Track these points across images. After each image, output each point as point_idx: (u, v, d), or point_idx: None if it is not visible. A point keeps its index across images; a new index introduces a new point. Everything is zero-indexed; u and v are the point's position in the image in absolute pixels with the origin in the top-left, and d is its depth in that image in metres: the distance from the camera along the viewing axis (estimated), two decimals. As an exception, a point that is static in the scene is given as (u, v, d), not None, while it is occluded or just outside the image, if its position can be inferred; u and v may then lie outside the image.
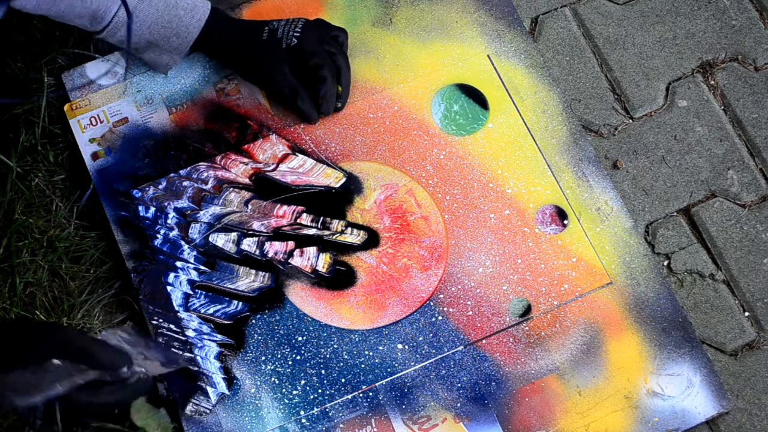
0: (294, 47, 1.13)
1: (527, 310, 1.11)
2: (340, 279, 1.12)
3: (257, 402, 1.07)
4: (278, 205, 1.14)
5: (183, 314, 1.10)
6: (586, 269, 1.12)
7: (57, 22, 1.20)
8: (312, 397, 1.07)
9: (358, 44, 1.21)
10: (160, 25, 1.10)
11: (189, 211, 1.13)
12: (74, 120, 1.18)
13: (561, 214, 1.14)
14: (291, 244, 1.12)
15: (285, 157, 1.16)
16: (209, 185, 1.14)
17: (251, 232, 1.13)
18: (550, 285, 1.11)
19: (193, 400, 1.07)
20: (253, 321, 1.10)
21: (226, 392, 1.07)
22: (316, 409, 1.07)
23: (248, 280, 1.11)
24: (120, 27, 1.08)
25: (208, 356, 1.08)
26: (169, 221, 1.13)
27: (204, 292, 1.11)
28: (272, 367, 1.08)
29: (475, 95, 1.19)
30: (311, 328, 1.10)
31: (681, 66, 1.24)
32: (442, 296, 1.11)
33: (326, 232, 1.13)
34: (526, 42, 1.22)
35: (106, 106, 1.18)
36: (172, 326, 1.09)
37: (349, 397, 1.07)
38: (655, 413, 1.07)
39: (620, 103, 1.22)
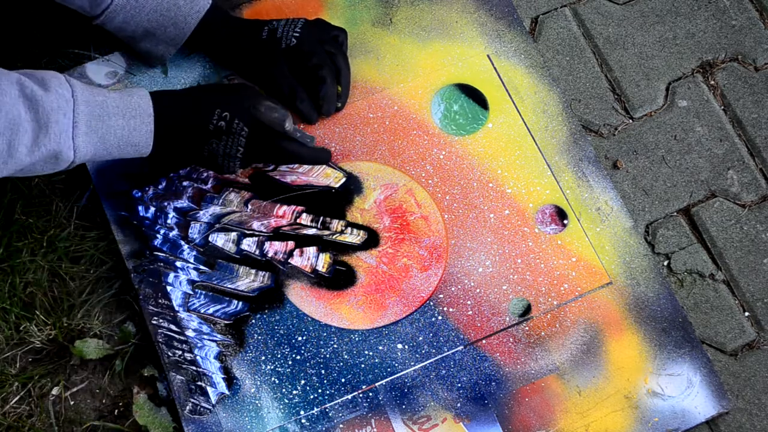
0: (293, 47, 1.13)
1: (527, 310, 1.11)
2: (340, 279, 1.12)
3: (257, 402, 1.07)
4: (278, 205, 1.14)
5: (183, 314, 1.10)
6: (586, 269, 1.12)
7: (55, 18, 1.20)
8: (312, 397, 1.07)
9: (358, 44, 1.21)
10: (158, 12, 1.10)
11: (189, 211, 1.13)
12: (74, 120, 1.18)
13: (561, 214, 1.14)
14: (291, 244, 1.12)
15: (285, 157, 1.16)
16: (209, 185, 1.14)
17: (251, 232, 1.13)
18: (550, 285, 1.11)
19: (193, 400, 1.07)
20: (253, 321, 1.10)
21: (226, 392, 1.07)
22: (316, 409, 1.07)
23: (248, 280, 1.11)
24: (119, 11, 1.08)
25: (208, 356, 1.08)
26: (168, 221, 1.13)
27: (204, 292, 1.11)
28: (272, 367, 1.08)
29: (475, 95, 1.20)
30: (311, 328, 1.10)
31: (681, 66, 1.24)
32: (442, 296, 1.11)
33: (326, 232, 1.13)
34: (526, 42, 1.22)
35: (106, 106, 1.18)
36: (172, 326, 1.09)
37: (349, 397, 1.07)
38: (655, 413, 1.07)
39: (620, 103, 1.22)
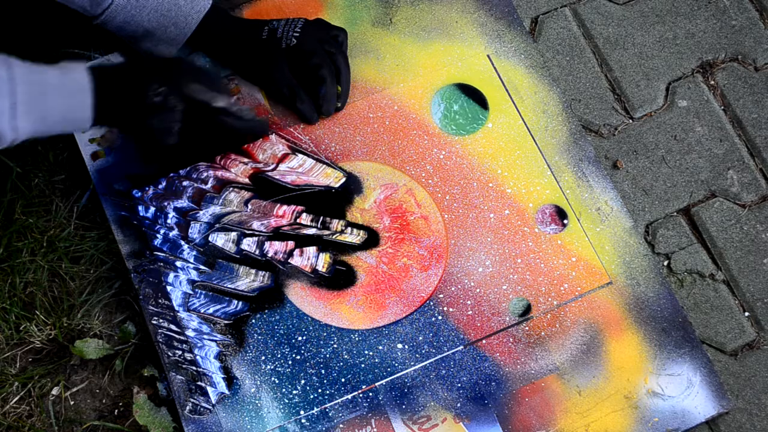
0: (293, 47, 1.13)
1: (527, 310, 1.11)
2: (339, 279, 1.12)
3: (257, 402, 1.07)
4: (278, 205, 1.14)
5: (183, 314, 1.10)
6: (586, 269, 1.12)
7: (55, 18, 1.20)
8: (312, 397, 1.07)
9: (358, 44, 1.21)
10: (159, 12, 1.10)
11: (189, 211, 1.13)
12: (74, 120, 1.18)
13: (561, 214, 1.14)
14: (291, 243, 1.12)
15: (285, 156, 1.16)
16: (209, 185, 1.14)
17: (251, 231, 1.13)
18: (550, 285, 1.11)
19: (193, 400, 1.07)
20: (253, 321, 1.10)
21: (226, 392, 1.07)
22: (316, 409, 1.07)
23: (248, 280, 1.11)
24: (119, 11, 1.09)
25: (208, 356, 1.08)
26: (168, 221, 1.13)
27: (204, 292, 1.11)
28: (272, 367, 1.08)
29: (475, 95, 1.20)
30: (311, 328, 1.10)
31: (681, 66, 1.24)
32: (442, 296, 1.11)
33: (326, 232, 1.13)
34: (526, 42, 1.22)
35: (106, 106, 1.18)
36: (172, 326, 1.09)
37: (349, 397, 1.07)
38: (655, 413, 1.07)
39: (620, 103, 1.22)
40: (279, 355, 1.09)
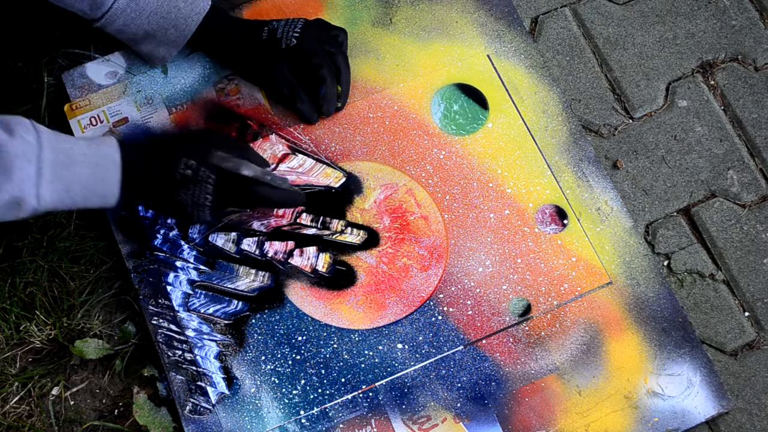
0: (293, 47, 1.13)
1: (527, 310, 1.11)
2: (339, 279, 1.12)
3: (257, 402, 1.07)
4: (278, 205, 1.14)
5: (183, 314, 1.10)
6: (586, 269, 1.12)
7: (55, 18, 1.20)
8: (312, 397, 1.07)
9: (358, 44, 1.21)
10: (159, 15, 1.10)
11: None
12: (74, 120, 1.18)
13: (561, 214, 1.14)
14: (291, 243, 1.12)
15: (285, 156, 1.16)
16: (209, 185, 1.14)
17: (251, 231, 1.13)
18: (550, 285, 1.11)
19: (193, 400, 1.07)
20: (253, 321, 1.10)
21: (226, 392, 1.07)
22: (316, 409, 1.07)
23: (248, 280, 1.11)
24: (119, 14, 1.08)
25: (208, 356, 1.08)
26: (169, 221, 1.13)
27: (204, 292, 1.11)
28: (272, 367, 1.08)
29: (475, 95, 1.20)
30: (311, 328, 1.10)
31: (681, 66, 1.24)
32: (441, 296, 1.11)
33: (326, 232, 1.13)
34: (526, 42, 1.22)
35: (106, 106, 1.18)
36: (172, 326, 1.09)
37: (349, 397, 1.07)
38: (655, 413, 1.07)
39: (620, 103, 1.22)
40: (279, 355, 1.09)
